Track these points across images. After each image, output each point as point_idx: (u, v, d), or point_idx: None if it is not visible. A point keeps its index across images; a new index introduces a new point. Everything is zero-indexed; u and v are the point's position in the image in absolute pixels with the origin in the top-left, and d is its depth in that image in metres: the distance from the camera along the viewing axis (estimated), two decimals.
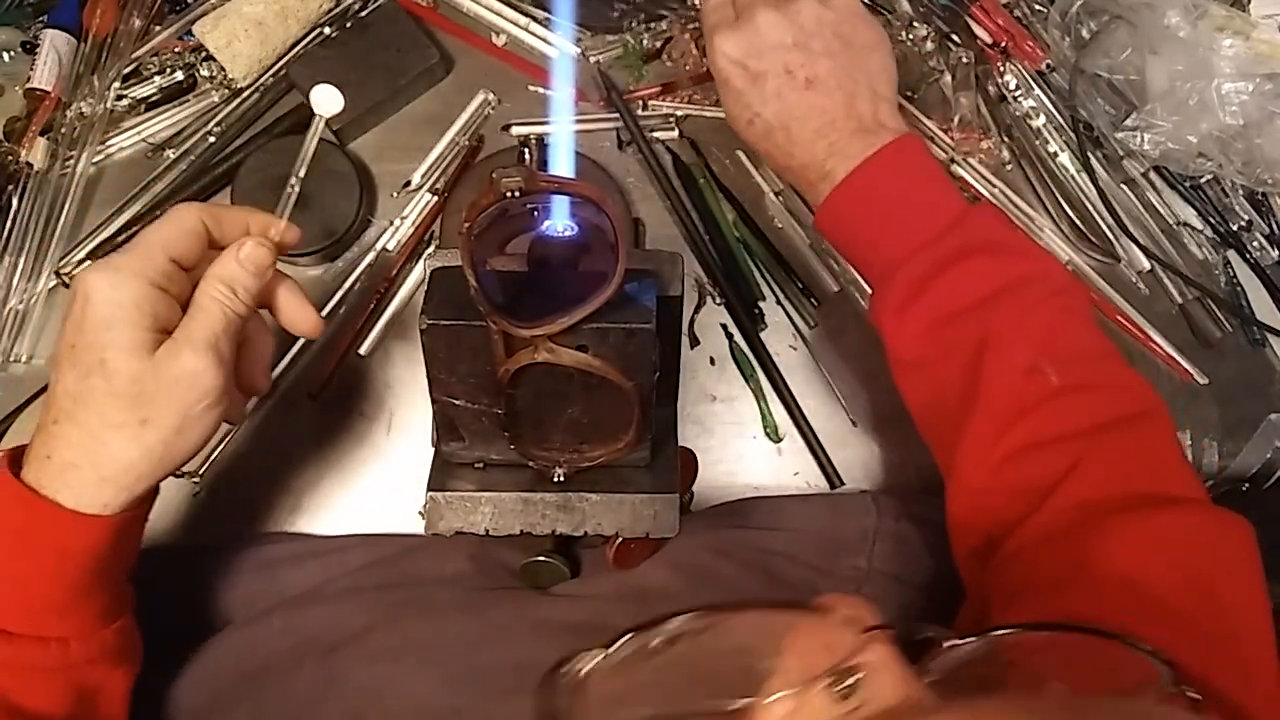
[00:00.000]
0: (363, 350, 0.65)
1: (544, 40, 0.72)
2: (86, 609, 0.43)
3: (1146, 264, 0.69)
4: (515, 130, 0.70)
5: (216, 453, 0.62)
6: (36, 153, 0.65)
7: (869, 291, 0.56)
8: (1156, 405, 0.49)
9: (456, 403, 0.45)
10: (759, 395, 0.65)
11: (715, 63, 0.54)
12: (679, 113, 0.71)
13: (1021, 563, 0.45)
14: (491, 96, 0.70)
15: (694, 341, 0.66)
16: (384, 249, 0.67)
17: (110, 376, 0.39)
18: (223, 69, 0.68)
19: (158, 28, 0.70)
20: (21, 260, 0.64)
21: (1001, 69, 0.72)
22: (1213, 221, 0.71)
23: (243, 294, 0.42)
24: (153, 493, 0.44)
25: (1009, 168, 0.72)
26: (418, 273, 0.66)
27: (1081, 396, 0.47)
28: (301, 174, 0.46)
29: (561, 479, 0.47)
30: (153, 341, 0.40)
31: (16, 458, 0.41)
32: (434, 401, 0.45)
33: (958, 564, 0.51)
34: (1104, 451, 0.46)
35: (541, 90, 0.71)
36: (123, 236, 0.65)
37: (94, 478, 0.40)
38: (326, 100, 0.46)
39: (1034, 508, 0.45)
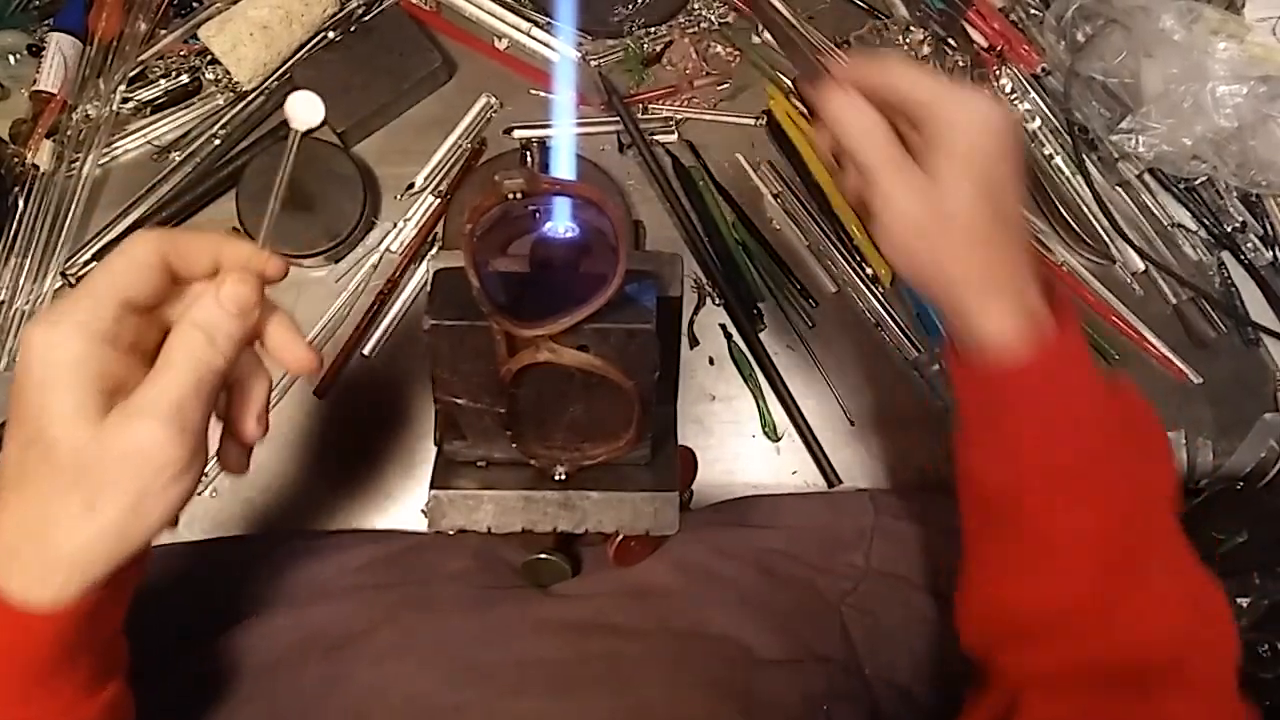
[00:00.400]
0: (367, 350, 0.66)
1: (545, 44, 0.73)
2: (56, 692, 0.36)
3: (1141, 265, 0.70)
4: (517, 133, 0.70)
5: None
6: (42, 155, 0.66)
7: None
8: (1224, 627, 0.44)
9: (459, 402, 0.45)
10: (758, 395, 0.66)
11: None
12: (679, 116, 0.71)
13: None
14: (494, 100, 0.71)
15: (693, 341, 0.67)
16: (387, 250, 0.68)
17: (49, 449, 0.33)
18: (228, 72, 0.69)
19: (163, 31, 0.71)
20: (28, 262, 0.64)
21: (997, 73, 0.73)
22: (1207, 223, 0.72)
23: (223, 342, 0.35)
24: (131, 568, 0.36)
25: None
26: (421, 274, 0.67)
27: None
28: (280, 192, 0.39)
29: (563, 477, 0.48)
30: (100, 405, 0.33)
31: None
32: (437, 401, 0.46)
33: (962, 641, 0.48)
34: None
35: (543, 94, 0.71)
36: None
37: (40, 564, 0.33)
38: (304, 110, 0.39)
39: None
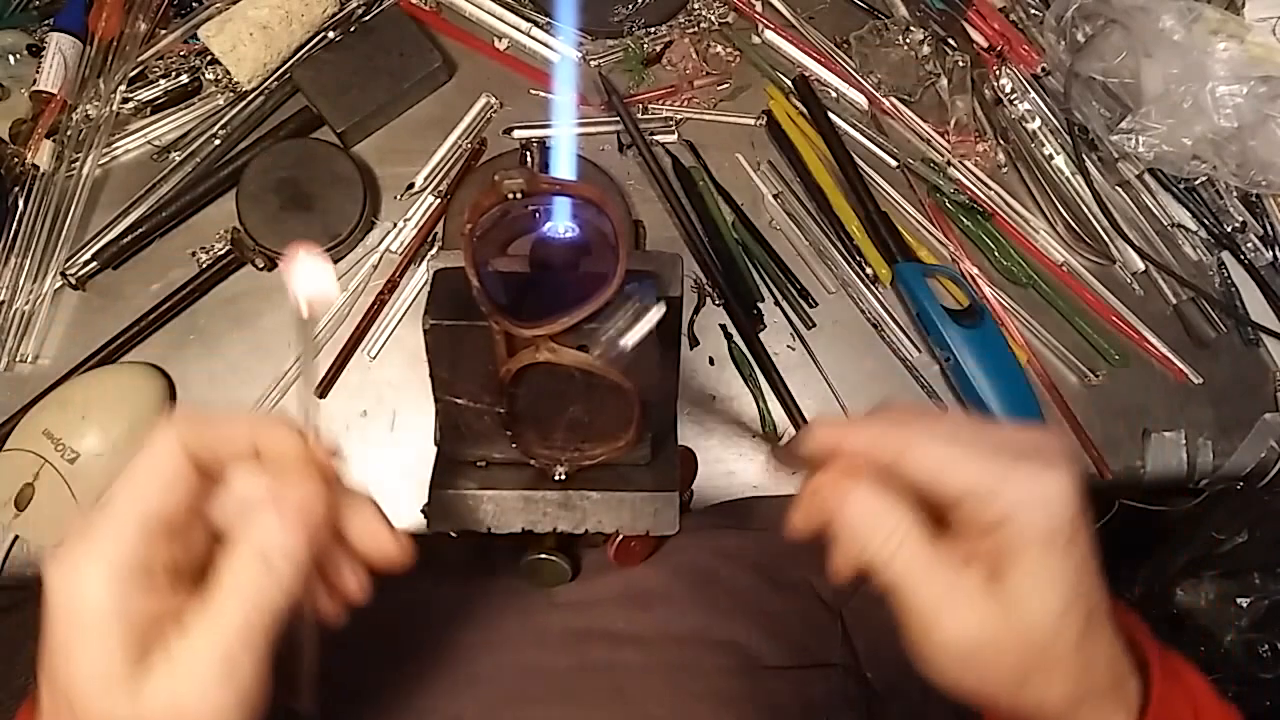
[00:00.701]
0: (366, 350, 0.66)
1: (545, 45, 0.73)
2: None
3: (1141, 265, 0.70)
4: (517, 133, 0.70)
5: None
6: (42, 155, 0.66)
7: None
8: None
9: (459, 402, 0.45)
10: (757, 395, 0.66)
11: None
12: (679, 116, 0.71)
13: None
14: (493, 100, 0.71)
15: (693, 342, 0.67)
16: (387, 250, 0.68)
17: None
18: (228, 72, 0.69)
19: (163, 31, 0.71)
20: (27, 262, 0.64)
21: (997, 72, 0.73)
22: (1207, 223, 0.72)
23: (285, 567, 0.29)
24: None
25: (1005, 170, 0.73)
26: (421, 274, 0.67)
27: None
28: (309, 375, 0.34)
29: (563, 477, 0.48)
30: (136, 659, 0.27)
31: None
32: (437, 401, 0.46)
33: None
34: None
35: (543, 94, 0.71)
36: (128, 238, 0.65)
37: None
38: (315, 281, 0.32)
39: None
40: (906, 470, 0.31)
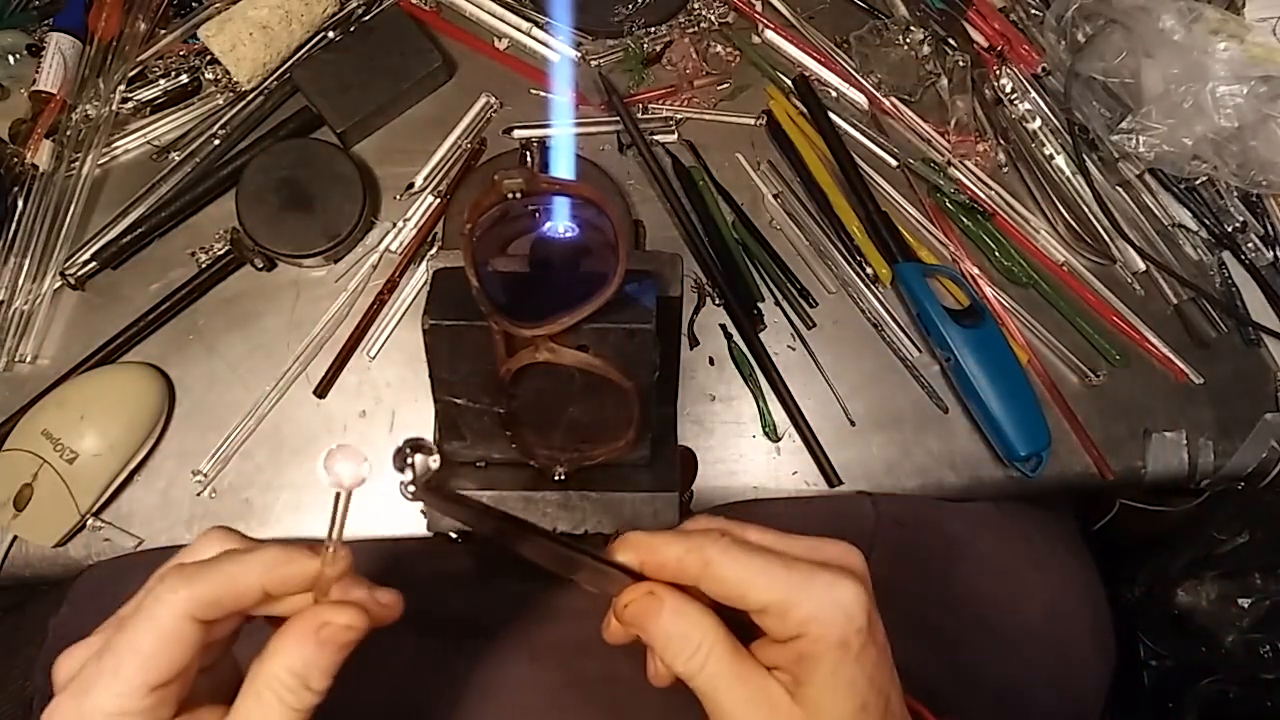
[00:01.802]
0: (366, 350, 0.65)
1: (545, 44, 0.73)
2: None
3: (1142, 265, 0.70)
4: (517, 133, 0.70)
5: (220, 451, 0.62)
6: (42, 155, 0.66)
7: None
8: None
9: (458, 402, 0.45)
10: (758, 395, 0.66)
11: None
12: (679, 116, 0.71)
13: None
14: (493, 100, 0.71)
15: (693, 342, 0.67)
16: (387, 250, 0.67)
17: None
18: (227, 72, 0.69)
19: (163, 31, 0.71)
20: (27, 262, 0.64)
21: (998, 72, 0.73)
22: (1207, 223, 0.72)
23: (320, 683, 0.30)
24: None
25: (1005, 170, 0.73)
26: (420, 274, 0.67)
27: None
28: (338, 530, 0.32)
29: (562, 478, 0.48)
30: None
31: None
32: (436, 401, 0.46)
33: None
34: None
35: (543, 94, 0.71)
36: (128, 238, 0.65)
37: None
38: (348, 471, 0.32)
39: None
40: (709, 588, 0.32)
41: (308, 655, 0.30)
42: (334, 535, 0.32)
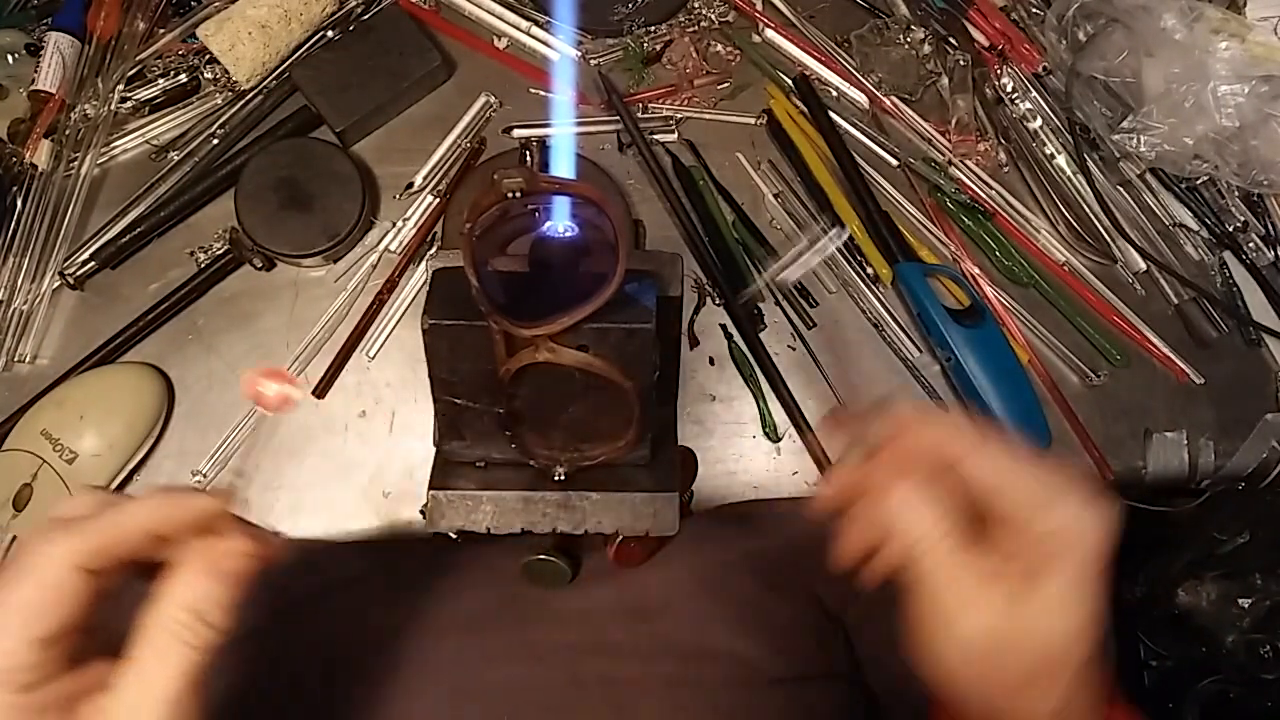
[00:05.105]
0: (365, 350, 0.65)
1: (545, 43, 0.72)
2: None
3: (1143, 265, 0.70)
4: (517, 132, 0.70)
5: (220, 452, 0.62)
6: (41, 154, 0.66)
7: None
8: None
9: (458, 402, 0.45)
10: (758, 395, 0.66)
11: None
12: (679, 115, 0.71)
13: None
14: (493, 99, 0.71)
15: (694, 342, 0.67)
16: (386, 250, 0.67)
17: None
18: (226, 72, 0.68)
19: (161, 30, 0.71)
20: (26, 261, 0.64)
21: (999, 72, 0.73)
22: (1208, 223, 0.72)
23: (219, 618, 0.29)
24: None
25: (1006, 170, 0.73)
26: (420, 273, 0.67)
27: None
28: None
29: (562, 478, 0.47)
30: None
31: None
32: (436, 401, 0.45)
33: None
34: None
35: (543, 93, 0.71)
36: (126, 238, 0.65)
37: None
38: (274, 391, 0.32)
39: None
40: (969, 474, 0.32)
41: (203, 589, 0.29)
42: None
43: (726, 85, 0.72)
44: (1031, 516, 0.31)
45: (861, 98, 0.73)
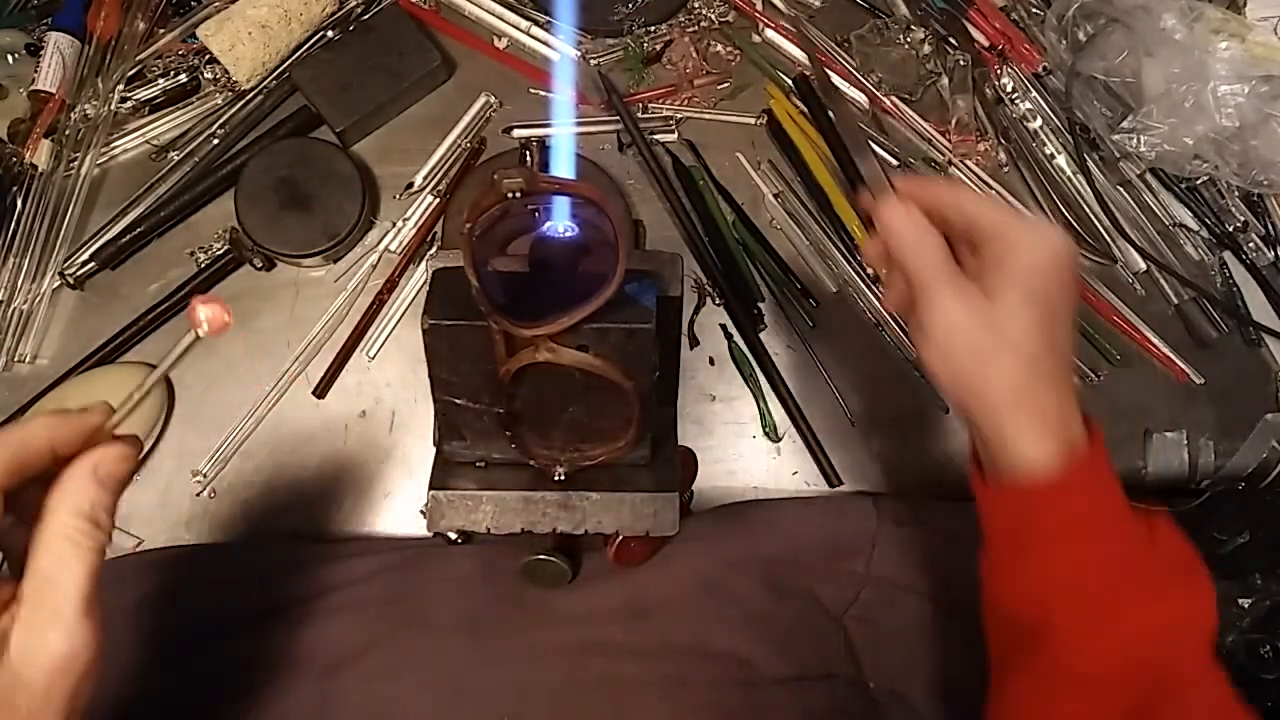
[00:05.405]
0: (365, 350, 0.65)
1: (545, 43, 0.72)
2: None
3: (1143, 265, 0.70)
4: (517, 132, 0.70)
5: (220, 452, 0.62)
6: (41, 154, 0.66)
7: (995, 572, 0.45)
8: None
9: (458, 402, 0.45)
10: (758, 395, 0.66)
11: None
12: (679, 115, 0.71)
13: None
14: (493, 99, 0.71)
15: (694, 342, 0.67)
16: (386, 250, 0.67)
17: None
18: (226, 72, 0.69)
19: (161, 30, 0.71)
20: (26, 261, 0.64)
21: (999, 72, 0.73)
22: (1209, 223, 0.72)
23: (106, 519, 0.32)
24: None
25: (1006, 169, 0.73)
26: (420, 273, 0.67)
27: None
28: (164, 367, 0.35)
29: (562, 478, 0.47)
30: None
31: None
32: (436, 401, 0.45)
33: None
34: None
35: (543, 93, 0.71)
36: (126, 238, 0.65)
37: None
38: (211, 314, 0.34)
39: None
40: (960, 208, 0.42)
41: (92, 494, 0.32)
42: (151, 381, 0.35)
43: (726, 85, 0.72)
44: (1000, 232, 0.41)
45: (862, 98, 0.73)
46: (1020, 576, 0.42)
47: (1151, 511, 0.42)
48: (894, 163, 0.71)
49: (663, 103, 0.72)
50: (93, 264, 0.65)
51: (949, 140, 0.72)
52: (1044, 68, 0.74)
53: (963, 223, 0.42)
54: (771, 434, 0.65)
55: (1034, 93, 0.73)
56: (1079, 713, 0.41)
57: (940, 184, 0.44)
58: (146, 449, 0.62)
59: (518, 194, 0.38)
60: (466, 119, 0.70)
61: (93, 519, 0.31)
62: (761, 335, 0.67)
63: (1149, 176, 0.72)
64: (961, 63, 0.73)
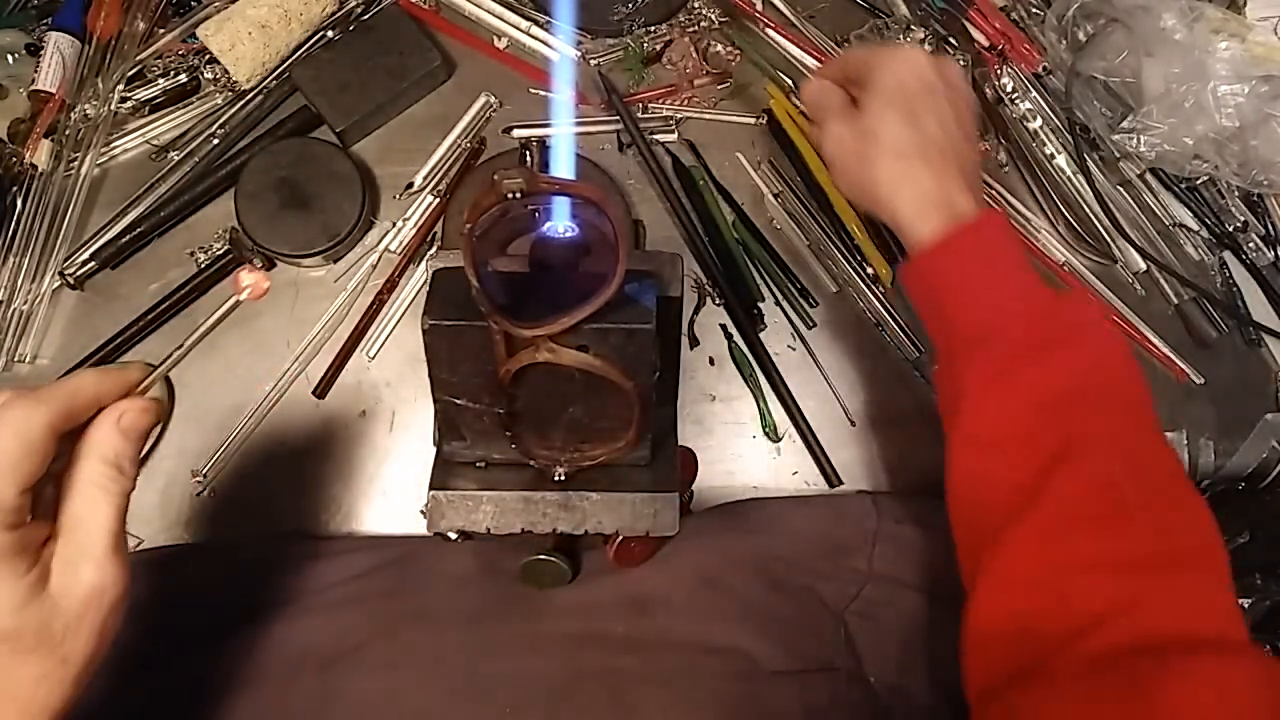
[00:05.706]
0: (365, 350, 0.65)
1: (545, 43, 0.72)
2: None
3: (1143, 265, 0.70)
4: (516, 132, 0.70)
5: (220, 452, 0.62)
6: (41, 154, 0.66)
7: (934, 356, 0.52)
8: (1216, 540, 0.44)
9: (458, 402, 0.45)
10: (758, 395, 0.66)
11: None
12: (679, 115, 0.71)
13: (1065, 695, 0.40)
14: (493, 99, 0.71)
15: (694, 342, 0.67)
16: (386, 250, 0.67)
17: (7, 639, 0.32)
18: (226, 72, 0.68)
19: (161, 30, 0.71)
20: (26, 261, 0.64)
21: (999, 72, 0.73)
22: (1209, 223, 0.72)
23: (130, 468, 0.36)
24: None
25: (1006, 169, 0.73)
26: (420, 273, 0.67)
27: (1153, 519, 0.43)
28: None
29: (562, 478, 0.47)
30: (35, 578, 0.33)
31: None
32: (436, 401, 0.45)
33: (966, 687, 0.45)
34: (1169, 582, 0.42)
35: (543, 93, 0.71)
36: (127, 238, 0.65)
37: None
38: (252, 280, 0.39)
39: (1083, 632, 0.40)
40: (844, 64, 0.56)
41: (116, 444, 0.35)
42: (188, 344, 0.39)
43: (726, 85, 0.72)
44: (869, 63, 0.52)
45: None
46: (938, 339, 0.50)
47: (1070, 291, 0.50)
48: None
49: (663, 103, 0.72)
50: (93, 264, 0.65)
51: None
52: (1044, 68, 0.74)
53: (852, 73, 0.53)
54: (771, 434, 0.65)
55: (1034, 93, 0.73)
56: (988, 472, 0.46)
57: (840, 59, 0.57)
58: (147, 449, 0.61)
59: (518, 194, 0.38)
60: (466, 119, 0.70)
61: (117, 465, 0.35)
62: (761, 335, 0.67)
63: (1149, 176, 0.72)
64: (961, 62, 0.73)
